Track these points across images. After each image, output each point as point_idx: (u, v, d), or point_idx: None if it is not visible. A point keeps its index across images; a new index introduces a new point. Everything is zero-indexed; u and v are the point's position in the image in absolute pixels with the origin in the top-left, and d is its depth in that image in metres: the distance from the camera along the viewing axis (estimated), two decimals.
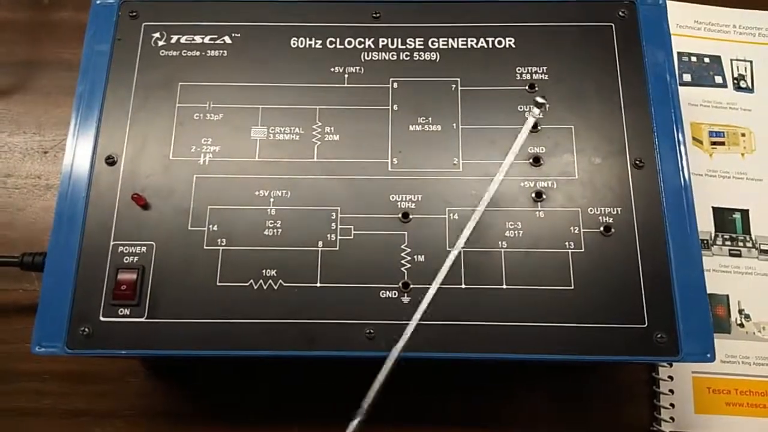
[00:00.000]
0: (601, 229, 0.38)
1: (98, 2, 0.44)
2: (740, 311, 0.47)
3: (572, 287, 0.38)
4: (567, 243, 0.38)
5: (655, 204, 0.39)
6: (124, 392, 0.46)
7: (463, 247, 0.38)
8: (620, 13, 0.43)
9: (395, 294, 0.38)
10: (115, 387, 0.46)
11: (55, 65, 0.55)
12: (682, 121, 0.40)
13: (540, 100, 0.40)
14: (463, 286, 0.38)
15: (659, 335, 0.36)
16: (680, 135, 0.40)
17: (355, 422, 0.35)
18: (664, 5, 0.43)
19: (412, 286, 0.38)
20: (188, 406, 0.45)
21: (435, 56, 0.43)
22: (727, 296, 0.47)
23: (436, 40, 0.43)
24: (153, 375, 0.46)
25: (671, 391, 0.45)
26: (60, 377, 0.45)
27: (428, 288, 0.38)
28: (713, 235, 0.49)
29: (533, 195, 0.39)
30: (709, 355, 0.36)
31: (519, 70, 0.42)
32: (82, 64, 0.42)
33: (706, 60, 0.53)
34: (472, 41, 0.43)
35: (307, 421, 0.45)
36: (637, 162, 0.40)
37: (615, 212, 0.39)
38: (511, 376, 0.45)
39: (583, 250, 0.38)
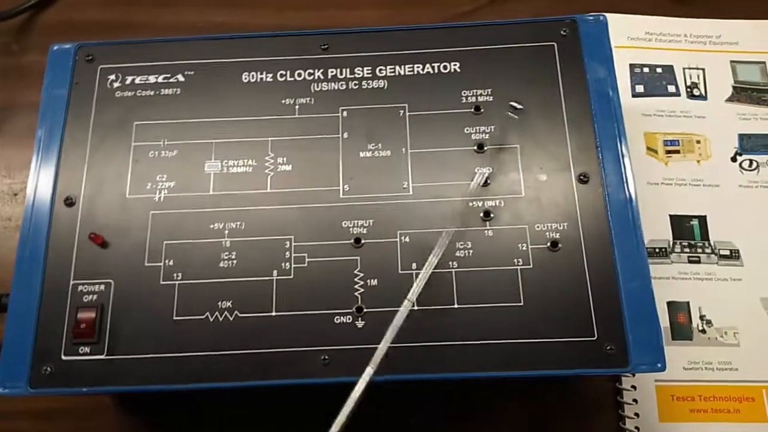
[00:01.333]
0: (548, 244, 0.39)
1: (55, 48, 0.45)
2: (701, 317, 0.47)
3: (522, 303, 0.38)
4: (516, 260, 0.39)
5: (601, 217, 0.39)
6: (97, 428, 0.46)
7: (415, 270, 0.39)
8: (562, 31, 0.44)
9: (349, 319, 0.38)
10: (88, 423, 0.46)
11: (26, 109, 0.56)
12: (626, 135, 0.41)
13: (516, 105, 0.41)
14: (416, 307, 0.38)
15: (609, 347, 0.37)
16: (624, 148, 0.41)
17: None
18: (605, 21, 0.44)
19: (365, 310, 0.38)
20: None
21: (383, 84, 0.44)
22: (688, 303, 0.47)
23: (383, 67, 0.44)
24: (125, 410, 0.47)
25: (635, 400, 0.45)
26: (32, 415, 0.46)
27: (382, 311, 0.38)
28: (671, 242, 0.49)
29: (482, 214, 0.40)
30: (659, 365, 0.37)
31: (465, 93, 0.43)
32: (40, 109, 0.43)
33: (659, 70, 0.54)
34: (418, 67, 0.44)
35: None
36: (582, 177, 0.40)
37: (561, 227, 0.39)
38: (472, 395, 0.46)
39: (531, 266, 0.39)
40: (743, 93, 0.54)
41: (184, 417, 0.46)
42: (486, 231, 0.40)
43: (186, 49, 0.45)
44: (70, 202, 0.41)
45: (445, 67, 0.44)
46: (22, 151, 0.55)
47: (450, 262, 0.39)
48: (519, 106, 0.40)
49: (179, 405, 0.46)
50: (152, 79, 0.44)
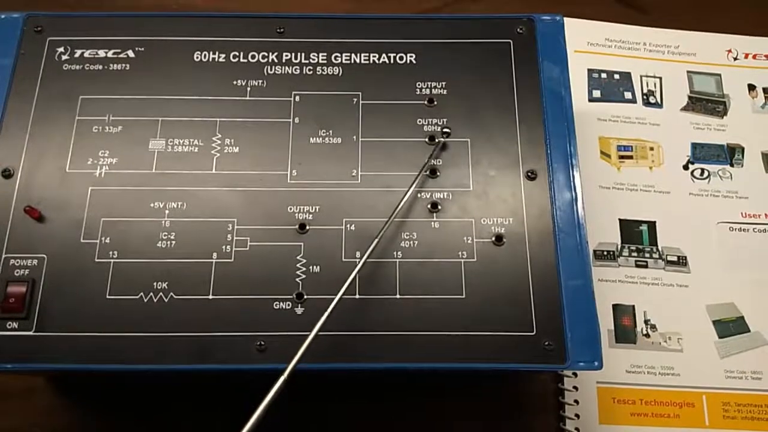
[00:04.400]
0: (493, 239, 0.39)
1: (3, 16, 0.44)
2: (646, 321, 0.47)
3: (464, 296, 0.38)
4: (460, 253, 0.39)
5: (546, 214, 0.39)
6: (28, 409, 0.45)
7: (359, 258, 0.39)
8: (518, 29, 0.44)
9: (289, 305, 0.38)
10: (19, 404, 0.45)
11: None
12: (575, 135, 0.41)
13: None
14: (357, 296, 0.38)
15: (546, 342, 0.37)
16: (572, 148, 0.41)
17: None
18: (561, 22, 0.44)
19: (306, 296, 0.38)
20: (94, 422, 0.45)
21: (338, 70, 0.43)
22: (633, 307, 0.48)
23: (339, 54, 0.44)
24: (58, 391, 0.45)
25: (576, 401, 0.45)
26: None
27: (323, 298, 0.38)
28: (620, 246, 0.49)
29: (429, 206, 0.40)
30: (596, 363, 0.37)
31: (419, 84, 0.43)
32: None
33: (616, 76, 0.55)
34: (374, 56, 0.44)
35: None
36: (530, 174, 0.40)
37: (507, 222, 0.39)
38: (414, 389, 0.45)
39: (475, 259, 0.39)
40: (698, 103, 0.54)
41: (117, 398, 0.45)
42: (432, 222, 0.40)
43: (138, 25, 0.44)
44: (7, 174, 0.40)
45: (401, 58, 0.44)
46: None
47: (394, 252, 0.39)
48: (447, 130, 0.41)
49: (111, 385, 0.45)
50: (102, 53, 0.43)
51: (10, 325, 0.37)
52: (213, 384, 0.45)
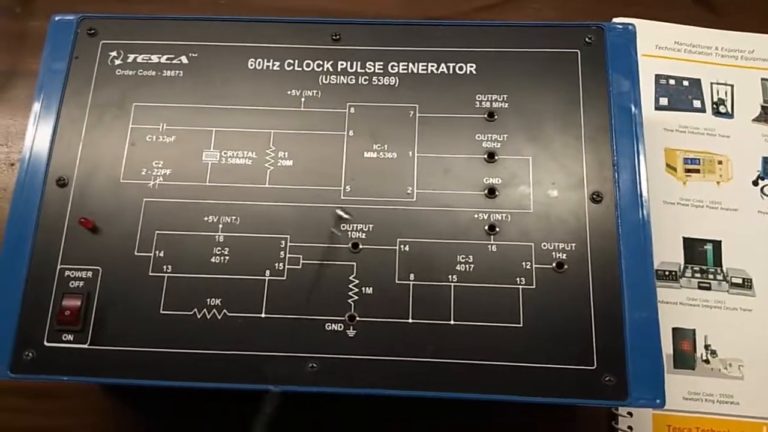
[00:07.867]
0: (554, 265, 0.37)
1: (57, 19, 0.43)
2: (706, 347, 0.45)
3: (521, 325, 0.37)
4: (518, 279, 0.37)
5: (611, 241, 0.38)
6: (82, 409, 0.46)
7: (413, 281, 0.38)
8: (587, 38, 0.42)
9: (341, 327, 0.37)
10: (73, 404, 0.46)
11: (27, 76, 0.55)
12: (645, 155, 0.39)
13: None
14: (410, 320, 0.37)
15: (607, 378, 0.35)
16: (642, 169, 0.39)
17: None
18: (634, 31, 0.42)
19: (358, 318, 0.37)
20: (143, 424, 0.45)
21: (394, 81, 0.42)
22: (694, 331, 0.46)
23: (395, 64, 0.42)
24: (109, 393, 0.46)
25: (630, 427, 0.44)
26: (20, 393, 0.45)
27: (375, 321, 0.37)
28: (682, 266, 0.47)
29: (486, 228, 0.38)
30: (658, 401, 0.35)
31: (479, 97, 0.41)
32: (38, 82, 0.42)
33: (685, 83, 0.52)
34: (432, 66, 0.42)
35: None
36: (595, 196, 0.38)
37: (569, 248, 0.38)
38: (463, 412, 0.44)
39: (534, 286, 0.37)
40: None
41: (169, 403, 0.45)
42: (489, 245, 0.38)
43: (192, 29, 0.43)
44: (62, 183, 0.40)
45: (460, 68, 0.42)
46: (22, 119, 0.53)
47: (450, 276, 0.38)
48: (346, 216, 0.38)
49: (162, 393, 0.45)
50: (155, 58, 0.42)
51: (65, 337, 0.37)
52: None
